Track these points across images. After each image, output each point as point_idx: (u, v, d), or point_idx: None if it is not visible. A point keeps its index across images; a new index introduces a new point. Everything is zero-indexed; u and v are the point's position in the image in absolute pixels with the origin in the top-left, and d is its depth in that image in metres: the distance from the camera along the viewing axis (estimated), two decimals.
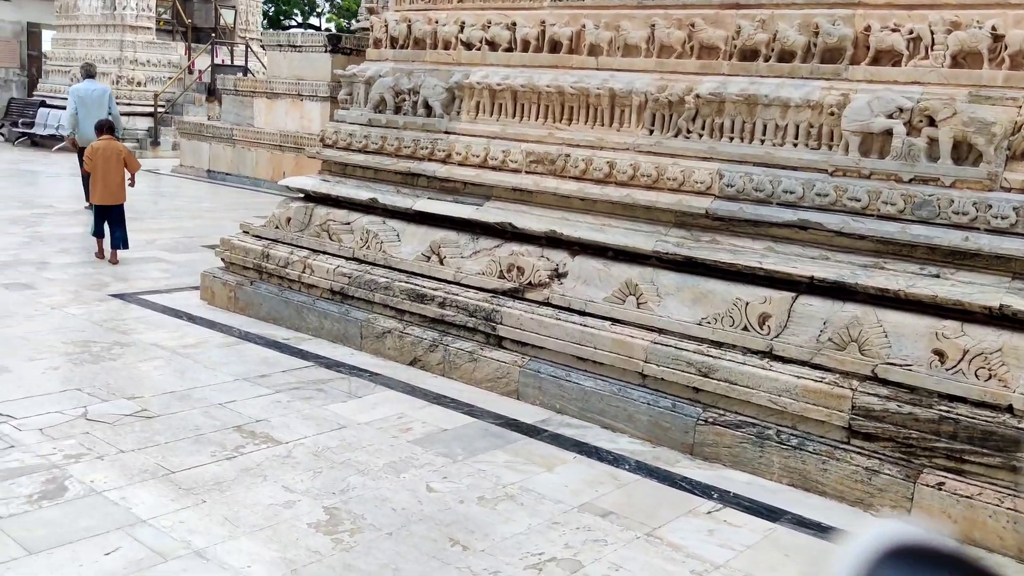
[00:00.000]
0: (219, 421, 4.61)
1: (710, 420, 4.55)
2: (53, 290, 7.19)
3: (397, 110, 6.68)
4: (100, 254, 8.64)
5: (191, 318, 6.60)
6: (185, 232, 10.48)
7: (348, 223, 6.62)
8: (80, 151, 11.94)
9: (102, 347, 5.73)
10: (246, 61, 20.80)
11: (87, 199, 11.73)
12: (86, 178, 12.10)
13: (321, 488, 3.92)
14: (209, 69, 20.77)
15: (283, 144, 15.06)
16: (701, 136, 5.23)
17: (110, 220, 8.60)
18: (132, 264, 8.42)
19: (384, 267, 6.23)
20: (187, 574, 3.17)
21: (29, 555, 3.20)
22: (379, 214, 6.55)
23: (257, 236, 7.04)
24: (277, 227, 6.93)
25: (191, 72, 21.16)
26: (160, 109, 19.91)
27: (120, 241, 8.54)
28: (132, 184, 8.88)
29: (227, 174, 15.99)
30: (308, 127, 14.64)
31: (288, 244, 6.81)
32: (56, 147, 19.36)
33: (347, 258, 6.44)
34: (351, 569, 3.27)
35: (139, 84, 20.01)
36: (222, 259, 7.18)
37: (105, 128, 9.14)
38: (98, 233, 8.68)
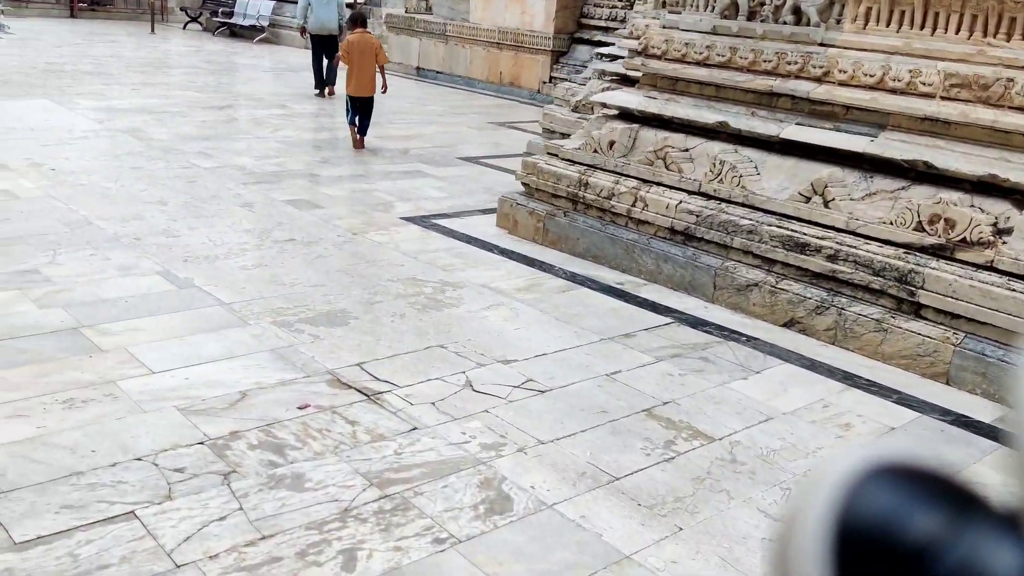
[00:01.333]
0: (622, 401, 3.87)
1: None
2: (341, 210, 6.62)
3: (751, 16, 5.61)
4: (357, 143, 8.89)
5: (503, 252, 5.88)
6: (430, 140, 9.82)
7: (687, 150, 5.68)
8: (313, 40, 11.78)
9: (433, 288, 5.08)
10: None
11: (316, 86, 12.02)
12: (326, 68, 11.98)
13: None
14: None
15: (501, 42, 14.12)
16: None
17: (362, 110, 8.81)
18: (399, 179, 7.80)
19: (742, 205, 5.30)
20: None
21: None
22: (725, 140, 5.58)
23: (569, 160, 6.20)
24: (596, 151, 6.06)
25: None
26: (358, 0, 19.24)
27: (365, 129, 8.90)
28: (384, 90, 8.94)
29: (438, 72, 15.23)
30: (530, 24, 13.61)
31: (610, 172, 5.94)
32: (257, 38, 19.09)
33: (690, 192, 5.54)
34: None
35: None
36: (524, 184, 6.41)
37: (359, 21, 9.05)
38: (353, 122, 8.90)
